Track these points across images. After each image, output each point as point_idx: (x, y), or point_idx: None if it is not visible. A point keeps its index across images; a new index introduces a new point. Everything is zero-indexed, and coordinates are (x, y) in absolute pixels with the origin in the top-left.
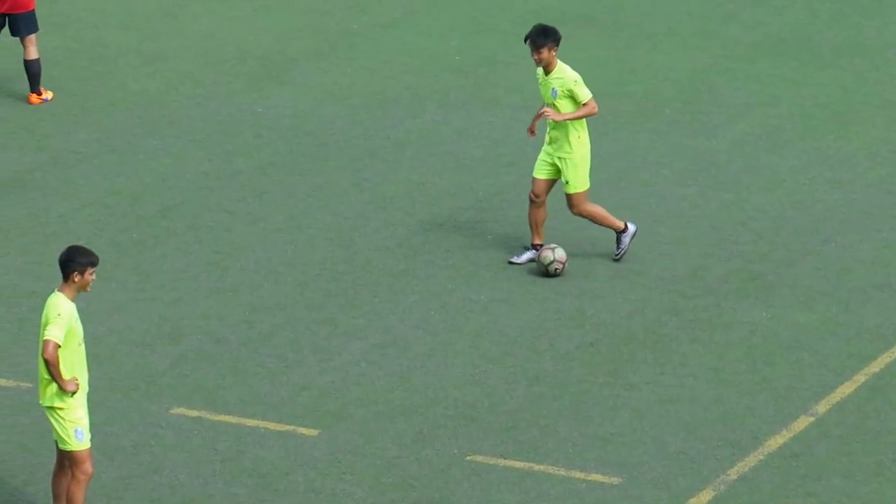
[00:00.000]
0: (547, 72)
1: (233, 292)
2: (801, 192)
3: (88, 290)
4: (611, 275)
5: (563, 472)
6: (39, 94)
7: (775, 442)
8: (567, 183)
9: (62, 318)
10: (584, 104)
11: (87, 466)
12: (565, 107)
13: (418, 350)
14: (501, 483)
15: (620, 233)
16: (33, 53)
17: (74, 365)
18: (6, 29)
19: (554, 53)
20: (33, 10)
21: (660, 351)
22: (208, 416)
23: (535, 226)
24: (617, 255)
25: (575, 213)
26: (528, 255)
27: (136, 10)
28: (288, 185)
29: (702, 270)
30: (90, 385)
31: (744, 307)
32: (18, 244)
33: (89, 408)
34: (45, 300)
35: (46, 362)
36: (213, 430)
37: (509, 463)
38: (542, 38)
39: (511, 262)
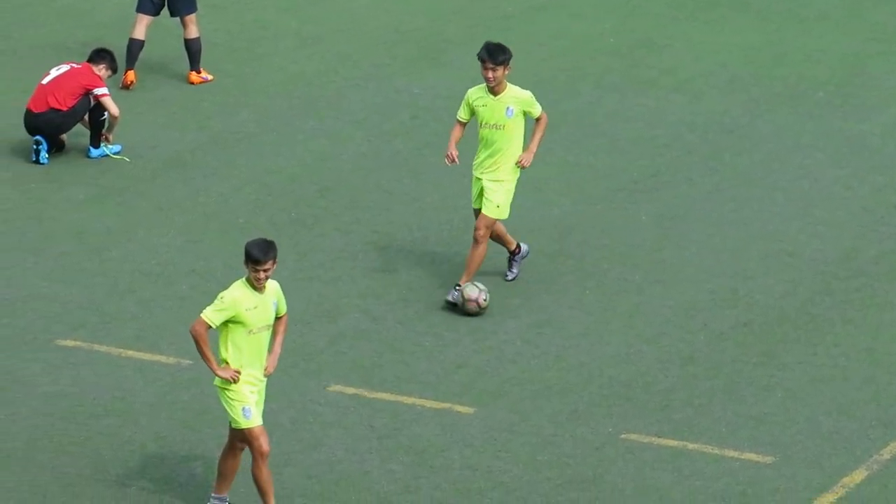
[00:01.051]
0: (496, 92)
1: (390, 272)
2: None
3: (258, 285)
4: (764, 255)
5: (716, 451)
6: (199, 72)
7: None
8: (498, 207)
9: (223, 302)
10: (540, 118)
11: (260, 444)
12: (517, 126)
13: (573, 329)
14: (655, 461)
15: (513, 253)
16: (193, 32)
17: (244, 352)
18: (166, 10)
19: (507, 73)
20: None
21: (813, 331)
22: (365, 393)
23: (476, 266)
24: (512, 276)
25: (481, 235)
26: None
27: None
28: (443, 165)
29: (854, 252)
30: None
31: None
32: (179, 223)
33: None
34: (204, 279)
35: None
36: (369, 408)
37: (663, 441)
38: (502, 54)
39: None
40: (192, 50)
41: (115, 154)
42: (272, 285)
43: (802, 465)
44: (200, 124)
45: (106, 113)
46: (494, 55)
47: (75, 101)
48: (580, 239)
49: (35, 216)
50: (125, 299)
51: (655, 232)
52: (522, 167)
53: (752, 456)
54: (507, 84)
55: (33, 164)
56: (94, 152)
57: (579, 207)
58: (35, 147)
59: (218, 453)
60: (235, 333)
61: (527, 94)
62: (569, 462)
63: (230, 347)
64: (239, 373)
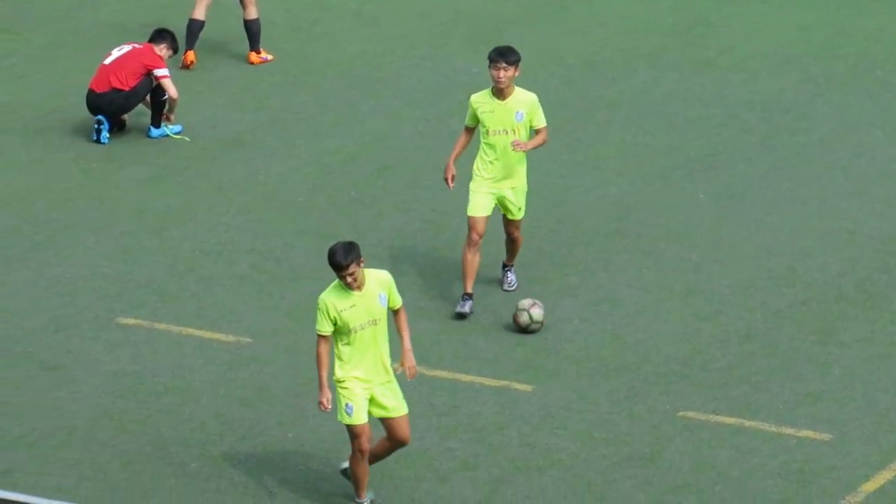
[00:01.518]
0: (504, 95)
1: (448, 250)
2: None
3: (353, 288)
4: (822, 233)
5: (773, 429)
6: (259, 53)
7: None
8: (519, 210)
9: (319, 307)
10: (541, 129)
11: (360, 442)
12: (524, 132)
13: (630, 307)
14: (713, 439)
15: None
16: (253, 13)
17: (352, 350)
18: None
19: (517, 75)
20: None
21: (870, 309)
22: (424, 371)
23: (472, 272)
24: (512, 286)
25: (516, 235)
26: (470, 304)
27: None
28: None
29: None
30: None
31: None
32: (238, 202)
33: (309, 363)
34: (264, 257)
35: None
36: (428, 385)
37: (720, 419)
38: (513, 55)
39: (458, 313)
40: (252, 30)
41: (175, 134)
42: (379, 278)
43: (859, 442)
44: (260, 104)
45: (167, 94)
46: (506, 55)
47: (137, 82)
48: (638, 218)
49: (96, 196)
50: (185, 278)
51: (713, 211)
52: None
53: (810, 433)
54: (515, 87)
55: (95, 144)
56: (155, 132)
57: (637, 187)
58: (96, 127)
59: (277, 431)
60: (340, 333)
61: (533, 97)
62: (626, 440)
63: (339, 346)
64: (325, 403)
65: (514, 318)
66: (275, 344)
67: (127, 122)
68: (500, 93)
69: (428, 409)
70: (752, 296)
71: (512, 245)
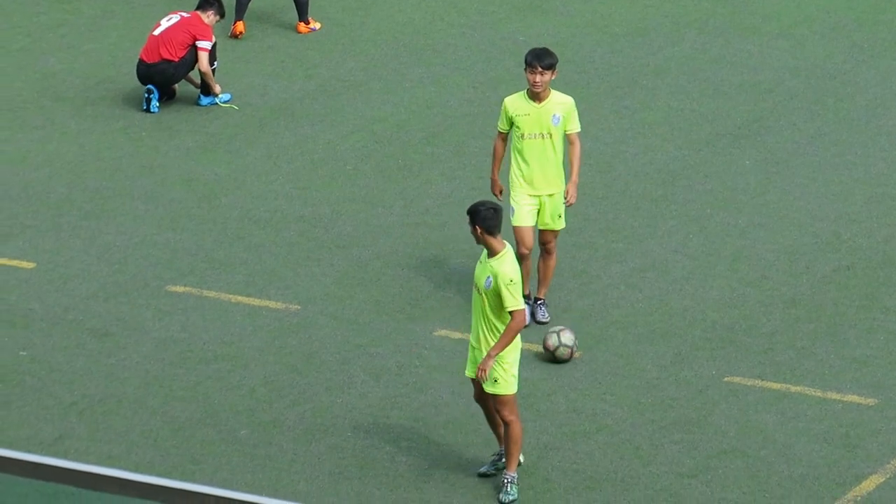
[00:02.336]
0: (540, 98)
1: None
2: None
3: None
4: (867, 199)
5: (819, 394)
6: (308, 23)
7: None
8: (560, 217)
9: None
10: (573, 140)
11: (506, 413)
12: (560, 136)
13: (677, 273)
14: (758, 403)
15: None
16: None
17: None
18: None
19: (554, 77)
20: None
21: None
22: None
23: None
24: (545, 318)
25: (553, 246)
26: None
27: None
28: None
29: None
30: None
31: None
32: (287, 170)
33: (357, 330)
34: (312, 225)
35: None
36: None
37: (766, 384)
38: (549, 58)
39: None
40: (300, 1)
41: (224, 103)
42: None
43: None
44: (308, 73)
45: (216, 62)
46: (542, 58)
47: (185, 52)
48: (684, 184)
49: (146, 164)
50: (234, 245)
51: (759, 176)
52: (569, 204)
53: (855, 398)
54: (551, 90)
55: (144, 113)
56: (205, 100)
57: (683, 153)
58: (146, 96)
59: (326, 397)
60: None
61: (570, 100)
62: (672, 405)
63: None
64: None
65: (544, 342)
66: (323, 310)
67: (176, 92)
68: (535, 96)
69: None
70: (798, 261)
71: (546, 266)
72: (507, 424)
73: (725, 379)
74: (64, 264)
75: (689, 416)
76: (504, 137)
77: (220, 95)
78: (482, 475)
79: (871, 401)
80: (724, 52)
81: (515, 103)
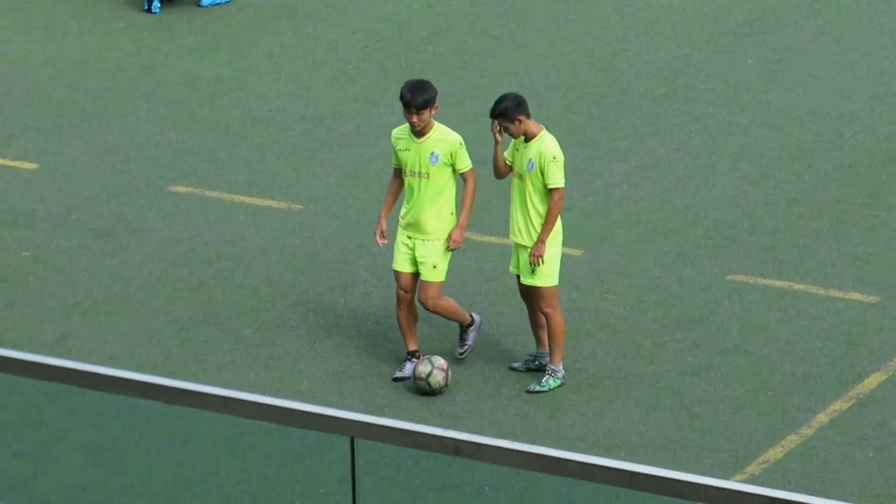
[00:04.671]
0: (420, 135)
1: None
2: None
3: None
4: (869, 97)
5: (821, 291)
6: None
7: None
8: (435, 268)
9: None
10: (467, 177)
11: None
12: (444, 177)
13: (679, 172)
14: (761, 302)
15: (466, 326)
16: None
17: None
18: None
19: (434, 111)
20: None
21: None
22: (474, 237)
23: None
24: (462, 353)
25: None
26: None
27: None
28: (551, 10)
29: None
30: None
31: None
32: (289, 69)
33: (359, 229)
34: (314, 124)
35: None
36: (479, 251)
37: (769, 282)
38: (424, 94)
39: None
40: None
41: (225, 2)
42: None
43: None
44: None
45: None
46: (415, 97)
47: None
48: (686, 82)
49: (148, 65)
50: (237, 145)
51: (761, 75)
52: (451, 250)
53: (857, 296)
54: (435, 124)
55: (146, 14)
56: (205, 1)
57: (685, 51)
58: None
59: (328, 297)
60: None
61: (456, 137)
62: (675, 303)
63: None
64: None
65: (414, 370)
66: (326, 210)
67: None
68: (416, 132)
69: (478, 275)
70: (800, 159)
71: (405, 315)
72: (547, 317)
73: (728, 277)
74: (66, 165)
75: (692, 314)
76: (398, 173)
77: None
78: (512, 369)
79: (873, 298)
80: None
81: (400, 136)
